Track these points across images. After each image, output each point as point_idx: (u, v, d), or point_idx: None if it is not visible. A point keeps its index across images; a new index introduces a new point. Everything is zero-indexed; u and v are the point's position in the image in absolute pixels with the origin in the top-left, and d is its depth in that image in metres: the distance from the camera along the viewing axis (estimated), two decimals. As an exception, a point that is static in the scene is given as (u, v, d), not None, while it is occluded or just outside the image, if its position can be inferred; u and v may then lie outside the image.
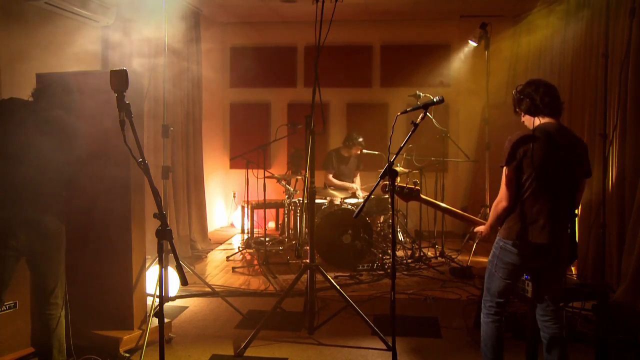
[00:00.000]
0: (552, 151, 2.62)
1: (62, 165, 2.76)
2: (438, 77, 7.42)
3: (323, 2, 3.52)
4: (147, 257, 3.62)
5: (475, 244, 5.96)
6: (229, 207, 8.38)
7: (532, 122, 2.75)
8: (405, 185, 2.93)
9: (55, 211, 2.79)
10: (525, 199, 2.63)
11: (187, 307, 4.39)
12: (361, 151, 6.25)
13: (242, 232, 7.33)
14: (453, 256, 5.98)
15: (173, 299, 4.24)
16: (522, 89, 2.77)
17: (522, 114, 2.79)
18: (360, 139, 6.19)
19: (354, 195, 6.11)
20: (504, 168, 2.66)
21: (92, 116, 3.11)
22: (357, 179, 6.56)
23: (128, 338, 3.35)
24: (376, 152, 6.27)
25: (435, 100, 2.79)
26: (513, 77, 7.05)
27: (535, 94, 2.70)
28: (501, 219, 2.71)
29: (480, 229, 2.86)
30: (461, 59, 7.37)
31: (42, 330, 2.77)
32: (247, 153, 6.14)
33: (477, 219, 2.97)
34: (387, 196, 5.82)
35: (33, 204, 2.69)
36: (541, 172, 2.60)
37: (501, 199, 2.67)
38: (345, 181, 6.38)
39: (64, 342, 2.81)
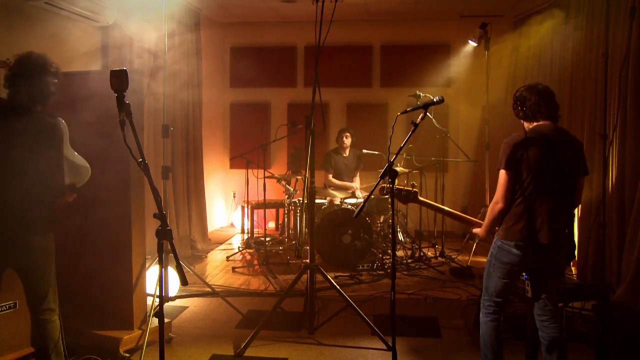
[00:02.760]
0: (549, 151, 2.63)
1: (48, 174, 2.61)
2: (438, 77, 7.42)
3: (323, 2, 3.52)
4: (147, 257, 3.62)
5: (475, 244, 5.96)
6: (229, 207, 8.38)
7: (529, 125, 2.77)
8: (402, 187, 2.92)
9: (40, 225, 2.64)
10: (524, 199, 2.64)
11: (187, 307, 4.39)
12: (351, 137, 6.28)
13: (242, 232, 7.34)
14: (453, 256, 5.98)
15: (173, 299, 4.23)
16: (519, 95, 2.79)
17: (521, 119, 2.81)
18: (345, 128, 6.42)
19: (353, 195, 6.11)
20: (501, 170, 2.66)
21: (91, 116, 3.11)
22: (357, 179, 6.56)
23: (128, 338, 3.35)
24: (376, 152, 6.27)
25: (435, 100, 2.79)
26: (513, 77, 7.05)
27: (529, 100, 2.72)
28: (497, 220, 2.72)
29: (477, 231, 2.87)
30: (461, 59, 7.37)
31: (39, 334, 2.72)
32: (247, 153, 6.14)
33: (476, 220, 2.96)
34: (386, 196, 5.84)
35: (14, 222, 2.55)
36: (539, 172, 2.61)
37: (497, 201, 2.68)
38: (345, 180, 6.39)
39: (60, 345, 2.78)
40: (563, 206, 2.68)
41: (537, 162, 2.60)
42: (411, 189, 2.90)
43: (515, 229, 2.65)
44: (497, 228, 2.75)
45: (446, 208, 3.01)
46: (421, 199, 2.93)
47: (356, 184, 6.44)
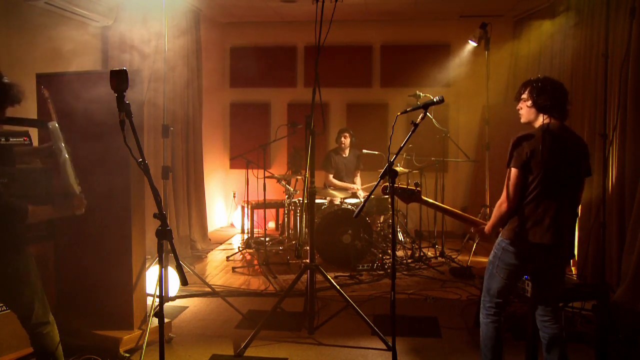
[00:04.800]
0: (558, 150, 2.60)
1: None
2: (438, 77, 7.42)
3: (323, 2, 3.52)
4: (147, 257, 3.62)
5: (475, 244, 5.96)
6: (229, 207, 8.38)
7: (536, 117, 2.70)
8: (406, 186, 2.91)
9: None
10: (531, 199, 2.60)
11: (187, 307, 4.39)
12: (350, 138, 6.29)
13: (242, 232, 7.33)
14: (453, 256, 5.98)
15: (173, 299, 4.24)
16: (545, 83, 2.69)
17: (530, 105, 2.70)
18: (345, 128, 6.43)
19: (354, 195, 6.11)
20: (510, 169, 2.62)
21: (92, 116, 3.11)
22: (358, 179, 6.56)
23: (128, 338, 3.34)
24: (376, 152, 6.28)
25: (435, 100, 2.78)
26: (513, 77, 7.06)
27: (554, 93, 2.66)
28: (504, 220, 2.68)
29: (481, 228, 2.83)
30: (461, 59, 7.36)
31: (36, 347, 2.63)
32: (247, 153, 6.15)
33: (479, 220, 2.95)
34: (387, 196, 5.83)
35: None
36: (548, 171, 2.56)
37: (504, 200, 2.63)
38: (346, 180, 6.39)
39: (61, 352, 2.73)
40: (569, 207, 2.66)
41: (546, 161, 2.55)
42: (414, 188, 2.88)
43: (521, 229, 2.61)
44: (501, 229, 2.73)
45: (448, 207, 3.00)
46: (424, 198, 2.91)
47: (357, 185, 6.45)
